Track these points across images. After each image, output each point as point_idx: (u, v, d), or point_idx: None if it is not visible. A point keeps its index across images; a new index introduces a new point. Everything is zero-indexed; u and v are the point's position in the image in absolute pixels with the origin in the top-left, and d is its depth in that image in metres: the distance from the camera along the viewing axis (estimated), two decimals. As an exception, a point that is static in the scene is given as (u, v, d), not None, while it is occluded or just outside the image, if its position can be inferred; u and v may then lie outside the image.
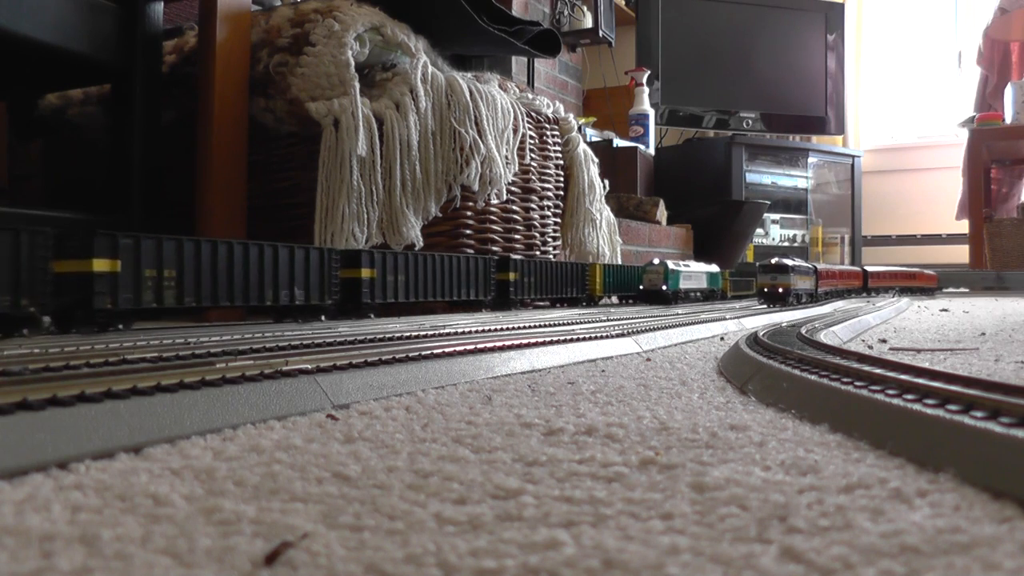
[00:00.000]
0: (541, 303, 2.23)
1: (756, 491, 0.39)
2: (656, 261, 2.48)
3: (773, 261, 2.33)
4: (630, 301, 2.57)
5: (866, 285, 3.17)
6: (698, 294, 2.66)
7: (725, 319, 1.61)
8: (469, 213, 2.00)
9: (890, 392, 0.55)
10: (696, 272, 2.63)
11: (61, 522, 0.34)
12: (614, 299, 2.65)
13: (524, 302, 2.02)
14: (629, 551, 0.31)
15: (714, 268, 2.86)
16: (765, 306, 2.23)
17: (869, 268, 3.31)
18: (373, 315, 1.50)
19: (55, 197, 2.10)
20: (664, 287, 2.38)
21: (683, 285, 2.49)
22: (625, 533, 0.33)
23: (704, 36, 4.50)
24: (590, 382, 0.80)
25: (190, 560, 0.30)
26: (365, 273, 1.47)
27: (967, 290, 4.27)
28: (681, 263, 2.57)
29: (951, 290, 4.23)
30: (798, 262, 2.39)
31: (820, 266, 2.63)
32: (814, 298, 2.53)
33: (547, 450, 0.49)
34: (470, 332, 1.10)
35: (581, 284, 2.29)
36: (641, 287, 2.44)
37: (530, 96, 2.25)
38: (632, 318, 1.57)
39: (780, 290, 2.25)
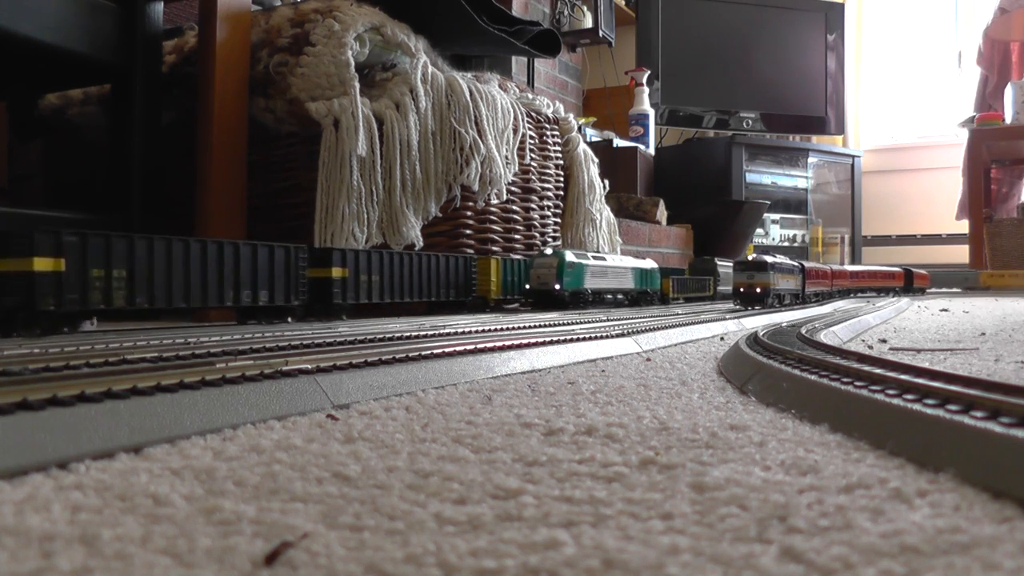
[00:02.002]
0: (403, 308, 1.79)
1: (756, 491, 0.39)
2: (549, 251, 1.93)
3: (751, 257, 2.08)
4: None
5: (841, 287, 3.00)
6: (620, 296, 2.15)
7: (725, 319, 1.61)
8: (469, 213, 2.00)
9: (890, 392, 0.55)
10: (616, 267, 2.11)
11: (61, 522, 0.34)
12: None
13: (365, 308, 1.60)
14: (629, 551, 0.31)
15: (647, 264, 2.33)
16: (742, 308, 1.98)
17: (862, 268, 3.28)
18: (67, 329, 1.10)
19: (55, 197, 2.11)
20: (558, 286, 1.85)
21: (592, 284, 1.97)
22: (625, 533, 0.33)
23: (704, 36, 4.50)
24: (590, 382, 0.79)
25: (190, 560, 0.30)
26: (39, 264, 1.02)
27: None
28: (591, 254, 2.03)
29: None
30: (781, 259, 2.17)
31: (808, 264, 2.41)
32: (800, 299, 2.31)
33: (547, 450, 0.49)
34: (470, 332, 1.10)
35: (465, 284, 1.84)
36: (528, 286, 1.92)
37: (530, 96, 2.25)
38: (632, 319, 1.57)
39: (758, 290, 2.00)
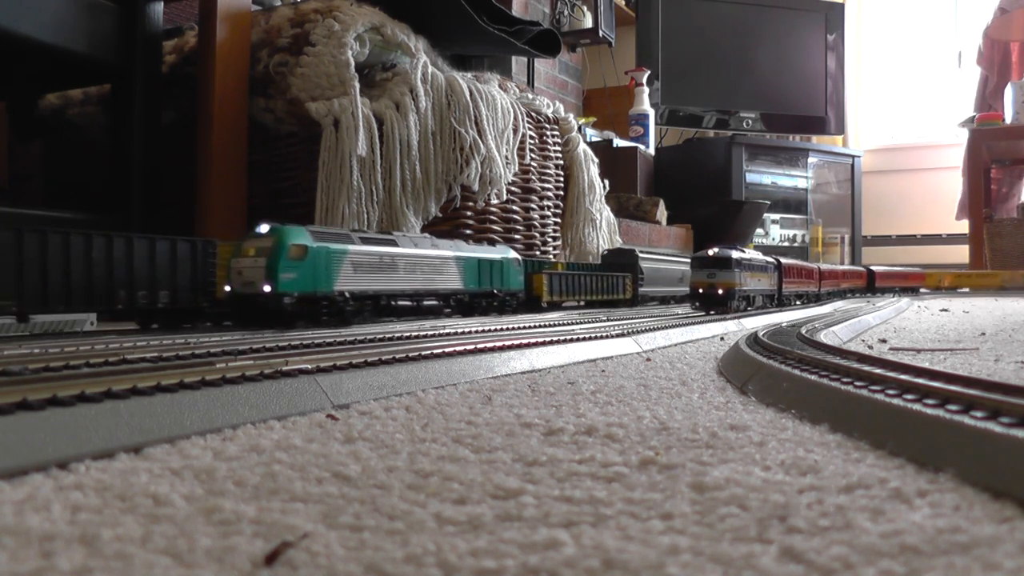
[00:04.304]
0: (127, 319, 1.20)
1: (756, 491, 0.39)
2: (264, 228, 1.18)
3: (711, 252, 1.73)
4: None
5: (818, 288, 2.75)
6: (433, 302, 1.42)
7: (725, 319, 1.61)
8: (469, 213, 2.00)
9: (890, 392, 0.55)
10: (420, 256, 1.39)
11: (61, 522, 0.34)
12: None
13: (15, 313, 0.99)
14: (629, 551, 0.31)
15: (496, 253, 1.63)
16: (703, 313, 1.68)
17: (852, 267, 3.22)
18: None
19: (55, 197, 2.11)
20: (268, 287, 1.13)
21: (355, 283, 1.24)
22: (625, 533, 0.33)
23: (704, 36, 4.50)
24: (590, 382, 0.79)
25: (190, 560, 0.30)
26: None
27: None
28: (360, 234, 1.30)
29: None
30: (752, 254, 1.87)
31: (787, 261, 2.10)
32: (776, 301, 2.03)
33: (547, 450, 0.49)
34: (470, 332, 1.10)
35: (194, 283, 1.20)
36: (228, 287, 1.18)
37: (530, 96, 2.25)
38: (631, 319, 1.57)
39: (719, 291, 1.70)
